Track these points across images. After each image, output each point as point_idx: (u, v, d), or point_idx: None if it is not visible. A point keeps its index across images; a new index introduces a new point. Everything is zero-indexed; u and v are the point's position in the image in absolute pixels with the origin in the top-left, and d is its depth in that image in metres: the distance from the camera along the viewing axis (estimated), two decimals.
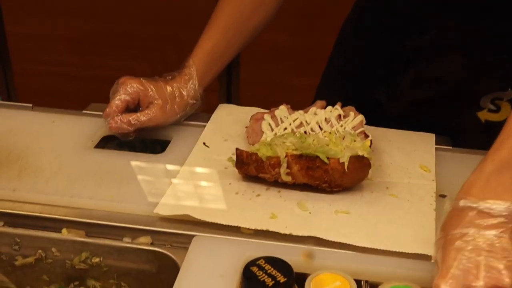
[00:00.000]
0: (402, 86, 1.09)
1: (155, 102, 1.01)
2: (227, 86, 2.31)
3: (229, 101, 2.22)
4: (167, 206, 0.85)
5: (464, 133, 1.07)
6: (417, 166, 0.96)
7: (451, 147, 1.04)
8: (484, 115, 1.06)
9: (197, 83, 1.05)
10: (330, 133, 0.92)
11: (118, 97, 1.00)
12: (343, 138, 0.90)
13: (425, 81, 1.08)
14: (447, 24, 1.00)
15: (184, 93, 1.04)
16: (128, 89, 1.00)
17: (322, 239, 0.80)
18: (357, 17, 1.20)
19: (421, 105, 1.10)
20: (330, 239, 0.80)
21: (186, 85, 1.04)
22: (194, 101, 1.06)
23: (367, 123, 0.98)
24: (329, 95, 1.09)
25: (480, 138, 0.97)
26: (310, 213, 0.85)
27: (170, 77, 1.05)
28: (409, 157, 0.98)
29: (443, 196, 0.91)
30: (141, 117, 1.00)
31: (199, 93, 1.06)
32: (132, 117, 1.00)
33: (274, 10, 1.09)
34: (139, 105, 1.03)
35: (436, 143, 1.03)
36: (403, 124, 1.05)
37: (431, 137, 1.04)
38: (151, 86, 1.02)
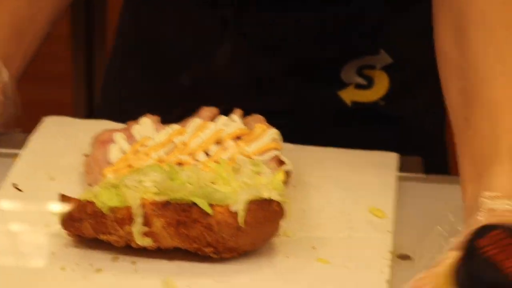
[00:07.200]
0: (217, 62, 0.83)
1: None
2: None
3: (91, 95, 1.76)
4: None
5: (321, 127, 0.82)
6: (364, 209, 0.70)
7: (423, 175, 0.75)
8: (349, 95, 0.82)
9: (5, 70, 0.77)
10: (219, 162, 0.66)
11: None
12: (239, 170, 0.65)
13: (251, 53, 0.83)
14: None
15: None
16: None
17: None
18: None
19: (250, 88, 0.83)
20: None
21: None
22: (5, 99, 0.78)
23: None
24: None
25: (346, 133, 0.81)
26: None
27: None
28: (353, 195, 0.72)
29: (405, 257, 0.63)
30: None
31: (10, 86, 0.77)
32: None
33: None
34: None
35: (402, 169, 0.74)
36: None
37: (391, 159, 0.75)
38: None
